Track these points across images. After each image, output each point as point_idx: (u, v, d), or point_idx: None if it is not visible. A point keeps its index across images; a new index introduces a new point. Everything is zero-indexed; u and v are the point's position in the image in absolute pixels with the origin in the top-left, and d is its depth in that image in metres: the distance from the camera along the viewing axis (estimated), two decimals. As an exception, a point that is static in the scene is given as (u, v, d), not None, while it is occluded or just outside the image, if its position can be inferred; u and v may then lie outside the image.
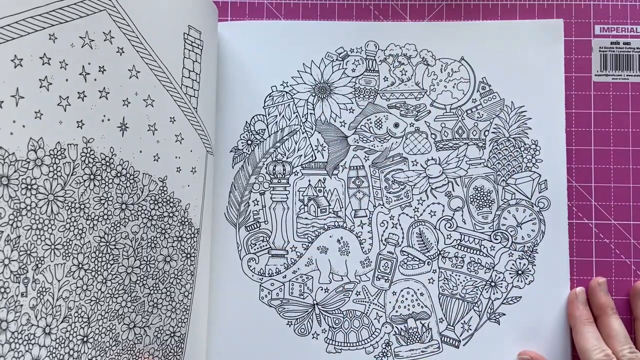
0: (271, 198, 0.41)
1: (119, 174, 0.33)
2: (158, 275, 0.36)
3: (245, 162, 0.42)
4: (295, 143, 0.42)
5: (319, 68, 0.42)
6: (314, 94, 0.42)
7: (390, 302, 0.41)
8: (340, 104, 0.42)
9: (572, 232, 0.41)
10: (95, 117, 0.32)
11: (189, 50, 0.38)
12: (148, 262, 0.35)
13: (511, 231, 0.41)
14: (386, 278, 0.41)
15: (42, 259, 0.29)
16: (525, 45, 0.42)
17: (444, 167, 0.42)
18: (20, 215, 0.28)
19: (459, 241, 0.41)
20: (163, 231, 0.36)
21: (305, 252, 0.41)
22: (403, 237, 0.41)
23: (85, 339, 0.31)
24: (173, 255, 0.37)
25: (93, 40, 0.31)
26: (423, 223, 0.41)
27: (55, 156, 0.29)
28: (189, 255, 0.38)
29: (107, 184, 0.32)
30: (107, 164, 0.32)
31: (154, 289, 0.36)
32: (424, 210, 0.41)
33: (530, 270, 0.41)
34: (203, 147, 0.39)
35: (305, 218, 0.41)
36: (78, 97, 0.31)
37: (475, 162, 0.42)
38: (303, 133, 0.42)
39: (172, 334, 0.37)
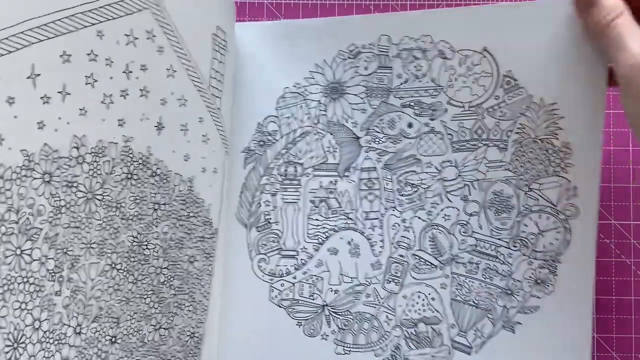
0: (282, 199, 0.42)
1: (154, 174, 0.34)
2: (183, 276, 0.37)
3: (257, 162, 0.42)
4: (307, 144, 0.42)
5: (331, 67, 0.41)
6: (325, 95, 0.41)
7: (400, 306, 0.40)
8: (352, 104, 0.41)
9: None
10: (135, 115, 0.32)
11: (216, 51, 0.38)
12: (175, 263, 0.36)
13: (532, 239, 0.39)
14: (397, 281, 0.40)
15: (77, 257, 0.29)
16: (560, 31, 0.38)
17: (460, 170, 0.40)
18: (60, 213, 0.28)
19: (474, 247, 0.40)
20: (189, 232, 0.37)
21: (315, 253, 0.41)
22: (415, 241, 0.40)
23: (113, 340, 0.32)
24: (196, 256, 0.38)
25: (137, 38, 0.32)
26: (436, 227, 0.40)
27: (97, 154, 0.30)
28: (208, 256, 0.39)
29: (142, 183, 0.33)
30: (144, 163, 0.33)
31: (179, 289, 0.36)
32: (438, 214, 0.40)
33: (550, 280, 0.38)
34: (223, 148, 0.40)
35: (316, 219, 0.41)
36: (120, 95, 0.31)
37: (496, 164, 0.39)
38: (315, 134, 0.42)
39: (191, 335, 0.38)
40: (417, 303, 0.40)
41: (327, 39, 0.41)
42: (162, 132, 0.34)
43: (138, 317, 0.33)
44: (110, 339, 0.31)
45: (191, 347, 0.38)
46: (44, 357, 0.27)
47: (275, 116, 0.42)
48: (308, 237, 0.41)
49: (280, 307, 0.41)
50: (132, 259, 0.32)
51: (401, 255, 0.40)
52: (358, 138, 0.41)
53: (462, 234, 0.40)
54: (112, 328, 0.31)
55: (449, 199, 0.40)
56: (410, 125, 0.41)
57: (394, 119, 0.41)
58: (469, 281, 0.39)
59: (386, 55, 0.41)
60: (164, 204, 0.34)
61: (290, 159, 0.42)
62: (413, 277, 0.40)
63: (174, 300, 0.36)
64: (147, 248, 0.33)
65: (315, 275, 0.41)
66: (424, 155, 0.40)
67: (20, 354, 0.26)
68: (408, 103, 0.41)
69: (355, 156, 0.41)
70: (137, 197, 0.32)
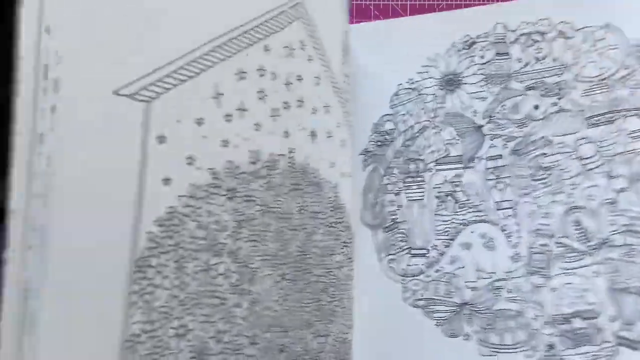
0: (406, 197, 0.41)
1: (311, 183, 0.33)
2: (335, 282, 0.36)
3: (377, 163, 0.42)
4: (426, 139, 0.41)
5: (445, 60, 0.41)
6: (441, 87, 0.41)
7: (549, 300, 0.37)
8: (471, 93, 0.40)
9: None
10: (295, 126, 0.32)
11: (344, 55, 0.38)
12: (329, 270, 0.35)
13: (697, 211, 0.35)
14: (541, 273, 0.37)
15: (255, 270, 0.29)
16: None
17: (598, 145, 0.37)
18: (241, 227, 0.28)
19: (628, 226, 0.36)
20: (336, 238, 0.36)
21: (447, 249, 0.39)
22: (557, 227, 0.37)
23: (282, 349, 0.31)
24: (343, 262, 0.37)
25: (294, 50, 0.32)
26: (579, 209, 0.37)
27: (269, 167, 0.30)
28: (350, 260, 0.38)
29: (304, 193, 0.33)
30: (304, 173, 0.33)
31: (333, 296, 0.36)
32: (579, 196, 0.37)
33: None
34: (353, 151, 0.40)
35: (444, 215, 0.40)
36: (284, 108, 0.31)
37: (638, 133, 0.36)
38: (433, 128, 0.41)
39: (343, 340, 0.37)
40: (569, 295, 0.36)
41: (439, 33, 0.41)
42: (315, 140, 0.34)
43: (301, 326, 0.33)
44: (280, 349, 0.31)
45: (342, 353, 0.37)
46: None
47: (391, 114, 0.42)
48: (437, 233, 0.40)
49: (416, 307, 0.39)
50: (297, 269, 0.32)
51: (543, 245, 0.37)
52: (480, 127, 0.40)
53: (612, 214, 0.36)
54: (280, 338, 0.31)
55: (589, 178, 0.37)
56: (536, 107, 0.39)
57: (518, 103, 0.39)
58: (628, 265, 0.35)
59: (503, 43, 0.40)
60: (318, 212, 0.34)
61: (410, 156, 0.41)
62: (559, 267, 0.37)
63: (330, 307, 0.35)
64: (309, 257, 0.33)
65: (449, 273, 0.39)
66: (556, 136, 0.38)
67: None
68: (532, 85, 0.39)
69: (479, 145, 0.40)
70: (301, 207, 0.32)
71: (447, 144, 0.40)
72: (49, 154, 0.21)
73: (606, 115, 0.37)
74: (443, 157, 0.40)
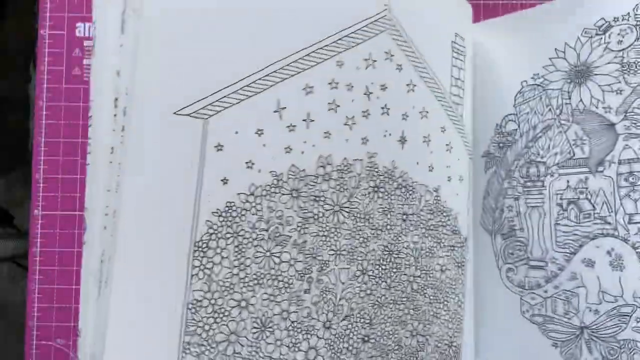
0: (526, 203, 0.38)
1: (399, 186, 0.35)
2: (436, 284, 0.37)
3: (498, 166, 0.40)
4: (550, 140, 0.37)
5: (575, 49, 0.36)
6: (569, 81, 0.36)
7: (690, 338, 0.30)
8: (603, 85, 0.35)
9: None
10: (377, 132, 0.34)
11: (456, 58, 0.39)
12: (427, 272, 0.37)
13: None
14: (682, 305, 0.30)
15: (326, 262, 0.33)
16: None
17: None
18: (308, 223, 0.32)
19: None
20: (438, 241, 0.37)
21: (567, 264, 0.35)
22: None
23: (366, 339, 0.34)
24: (447, 265, 0.38)
25: (375, 61, 0.34)
26: None
27: (342, 171, 0.33)
28: (459, 265, 0.39)
29: (389, 195, 0.35)
30: (389, 176, 0.35)
31: (434, 298, 0.37)
32: None
33: None
34: (467, 155, 0.40)
35: (566, 225, 0.36)
36: (362, 116, 0.34)
37: None
38: (558, 127, 0.36)
39: (449, 344, 0.38)
40: None
41: (568, 20, 0.36)
42: (405, 145, 0.35)
43: (392, 322, 0.35)
44: (363, 338, 0.34)
45: (450, 357, 0.37)
46: (291, 342, 0.31)
47: (514, 114, 0.39)
48: (557, 245, 0.36)
49: (533, 323, 0.37)
50: (383, 267, 0.34)
51: (686, 270, 0.30)
52: (613, 125, 0.34)
53: None
54: (364, 328, 0.34)
55: None
56: (686, 100, 0.31)
57: (662, 95, 0.32)
58: None
59: (646, 23, 0.33)
60: (412, 214, 0.36)
61: (531, 159, 0.38)
62: None
63: (429, 309, 0.37)
64: (398, 257, 0.35)
65: (568, 291, 0.35)
66: None
67: (267, 336, 0.31)
68: (681, 72, 0.31)
69: (610, 146, 0.34)
70: (385, 209, 0.34)
71: (572, 144, 0.36)
72: (120, 160, 0.29)
73: None
74: (567, 159, 0.36)
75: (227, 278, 0.29)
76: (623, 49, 0.34)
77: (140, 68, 0.28)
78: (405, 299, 0.35)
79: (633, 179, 0.33)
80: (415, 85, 0.36)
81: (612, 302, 0.33)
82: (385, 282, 0.34)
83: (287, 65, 0.31)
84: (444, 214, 0.37)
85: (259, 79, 0.31)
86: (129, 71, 0.29)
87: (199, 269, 0.29)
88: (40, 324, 0.40)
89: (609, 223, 0.34)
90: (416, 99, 0.36)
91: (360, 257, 0.33)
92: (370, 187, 0.34)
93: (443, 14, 0.37)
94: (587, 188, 0.35)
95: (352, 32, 0.33)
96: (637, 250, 0.32)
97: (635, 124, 0.33)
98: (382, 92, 0.34)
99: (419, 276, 0.36)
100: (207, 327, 0.29)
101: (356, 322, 0.33)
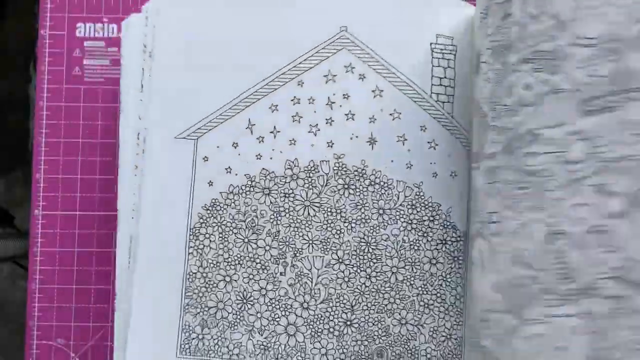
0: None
1: (372, 183, 0.39)
2: (425, 277, 0.39)
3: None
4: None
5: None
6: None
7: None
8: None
9: None
10: (343, 136, 0.39)
11: (439, 59, 0.40)
12: (413, 264, 0.39)
13: None
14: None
15: (300, 249, 0.38)
16: None
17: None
18: (280, 215, 0.38)
19: None
20: (424, 234, 0.39)
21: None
22: None
23: (348, 323, 0.38)
24: (438, 258, 0.39)
25: (335, 75, 0.39)
26: None
27: (310, 171, 0.39)
28: (455, 259, 0.39)
29: (361, 192, 0.39)
30: (360, 174, 0.39)
31: (423, 289, 0.39)
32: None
33: None
34: (464, 150, 0.40)
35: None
36: (326, 123, 0.39)
37: None
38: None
39: (447, 336, 0.39)
40: None
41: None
42: (375, 145, 0.39)
43: (377, 309, 0.38)
44: (345, 322, 0.37)
45: (450, 349, 0.38)
46: (271, 317, 0.37)
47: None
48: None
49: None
50: (361, 257, 0.38)
51: None
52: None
53: None
54: (345, 313, 0.37)
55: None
56: None
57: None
58: None
59: None
60: (389, 209, 0.38)
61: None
62: None
63: (419, 299, 0.38)
64: (377, 248, 0.38)
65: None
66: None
67: (249, 308, 0.38)
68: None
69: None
70: (358, 204, 0.38)
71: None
72: (141, 170, 0.39)
73: None
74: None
75: (214, 257, 0.38)
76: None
77: (152, 111, 0.39)
78: (389, 289, 0.38)
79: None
80: (382, 91, 0.39)
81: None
82: (365, 271, 0.38)
83: (256, 91, 0.39)
84: (429, 209, 0.39)
85: (234, 105, 0.39)
86: (144, 115, 0.39)
87: (193, 249, 0.38)
88: (40, 324, 0.41)
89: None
90: (384, 102, 0.39)
91: (335, 247, 0.38)
92: (340, 184, 0.38)
93: (419, 20, 0.39)
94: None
95: (310, 56, 0.39)
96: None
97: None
98: (345, 100, 0.39)
99: (403, 267, 0.38)
100: (200, 294, 0.38)
101: (335, 306, 0.37)
